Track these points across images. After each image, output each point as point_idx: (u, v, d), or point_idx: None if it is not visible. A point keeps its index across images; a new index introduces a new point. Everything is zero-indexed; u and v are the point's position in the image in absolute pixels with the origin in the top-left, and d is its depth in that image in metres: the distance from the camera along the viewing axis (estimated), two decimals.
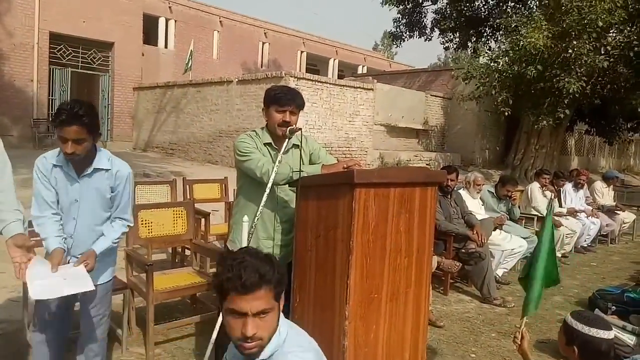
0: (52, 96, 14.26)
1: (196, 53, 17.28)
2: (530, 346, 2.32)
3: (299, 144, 2.46)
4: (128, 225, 2.41)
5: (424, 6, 16.87)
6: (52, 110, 14.36)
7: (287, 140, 2.39)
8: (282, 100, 2.45)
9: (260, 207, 2.22)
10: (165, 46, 18.98)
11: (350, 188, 2.01)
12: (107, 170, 2.27)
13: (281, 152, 2.33)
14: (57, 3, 13.95)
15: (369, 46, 40.82)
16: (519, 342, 2.26)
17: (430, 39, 17.41)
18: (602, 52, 11.62)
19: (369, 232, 2.09)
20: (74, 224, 2.25)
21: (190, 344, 3.29)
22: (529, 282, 2.42)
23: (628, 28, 11.46)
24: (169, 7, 18.84)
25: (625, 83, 12.14)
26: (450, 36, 16.96)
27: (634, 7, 11.14)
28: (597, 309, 4.16)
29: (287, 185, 2.44)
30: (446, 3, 16.13)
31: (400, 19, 17.15)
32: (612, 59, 11.50)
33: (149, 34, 17.93)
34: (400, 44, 18.10)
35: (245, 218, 2.05)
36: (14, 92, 13.40)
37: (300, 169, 2.28)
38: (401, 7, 16.45)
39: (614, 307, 4.20)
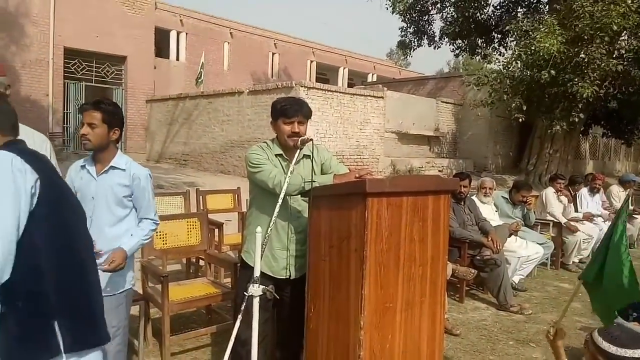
0: (67, 110, 14.52)
1: (207, 65, 17.47)
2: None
3: (310, 154, 2.47)
4: (155, 223, 2.48)
5: (430, 14, 16.82)
6: (67, 124, 14.63)
7: (298, 150, 2.40)
8: (289, 111, 2.47)
9: (274, 218, 2.22)
10: (177, 58, 19.22)
11: (362, 198, 2.01)
12: (123, 170, 2.39)
13: (293, 163, 2.34)
14: (71, 19, 14.24)
15: (382, 54, 40.81)
16: (552, 337, 2.31)
17: (439, 47, 17.30)
18: (615, 56, 11.51)
19: (382, 241, 2.08)
20: (89, 222, 2.30)
21: (206, 355, 3.30)
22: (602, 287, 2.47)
23: None
24: (180, 20, 19.10)
25: (639, 87, 12.01)
26: (459, 43, 16.87)
27: None
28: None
29: (300, 195, 2.45)
30: (453, 10, 16.07)
31: (407, 28, 17.10)
32: (625, 63, 11.39)
33: (161, 47, 18.19)
34: (411, 53, 17.82)
35: (259, 229, 2.06)
36: (29, 107, 13.66)
37: (312, 179, 2.29)
38: (407, 16, 16.39)
39: (634, 313, 4.11)
